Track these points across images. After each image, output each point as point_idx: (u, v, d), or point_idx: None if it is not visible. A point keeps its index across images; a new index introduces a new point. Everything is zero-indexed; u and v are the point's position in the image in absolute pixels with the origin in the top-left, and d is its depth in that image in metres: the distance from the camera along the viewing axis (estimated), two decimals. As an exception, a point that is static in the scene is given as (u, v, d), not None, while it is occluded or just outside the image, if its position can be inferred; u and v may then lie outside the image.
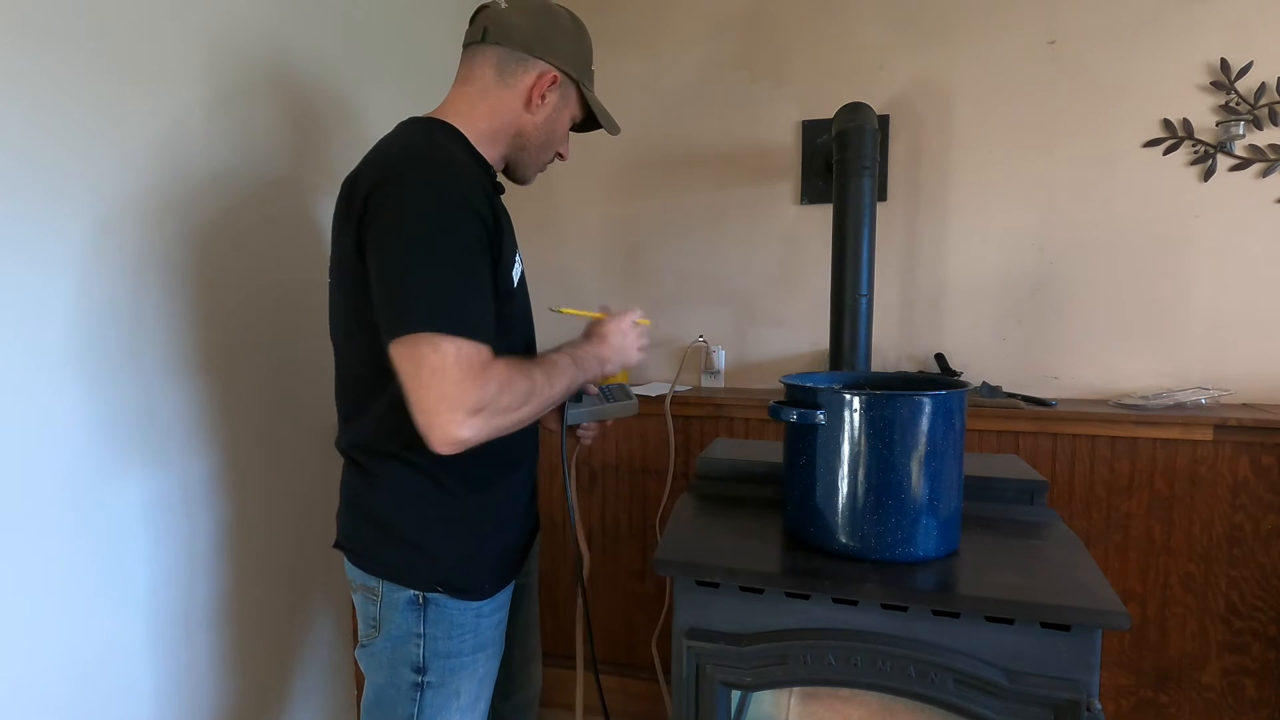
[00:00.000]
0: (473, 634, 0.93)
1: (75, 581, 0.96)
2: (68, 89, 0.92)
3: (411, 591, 0.90)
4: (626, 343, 1.02)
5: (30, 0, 0.88)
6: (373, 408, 0.89)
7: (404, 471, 0.90)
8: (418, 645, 0.91)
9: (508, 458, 0.95)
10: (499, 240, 0.86)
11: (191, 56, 1.10)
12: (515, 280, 0.93)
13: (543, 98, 0.95)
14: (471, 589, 0.93)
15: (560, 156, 1.05)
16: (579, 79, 0.98)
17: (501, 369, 0.80)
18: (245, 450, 1.23)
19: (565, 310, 1.08)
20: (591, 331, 1.03)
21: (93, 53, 0.95)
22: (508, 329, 0.93)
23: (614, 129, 1.06)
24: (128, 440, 1.03)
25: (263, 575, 1.27)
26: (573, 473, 1.17)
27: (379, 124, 0.95)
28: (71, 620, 0.96)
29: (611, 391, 1.11)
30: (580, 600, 1.16)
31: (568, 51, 0.96)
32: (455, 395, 0.75)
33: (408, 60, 1.65)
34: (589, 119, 1.04)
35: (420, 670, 0.91)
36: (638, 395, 1.41)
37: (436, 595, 0.91)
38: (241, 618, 1.23)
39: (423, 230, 0.79)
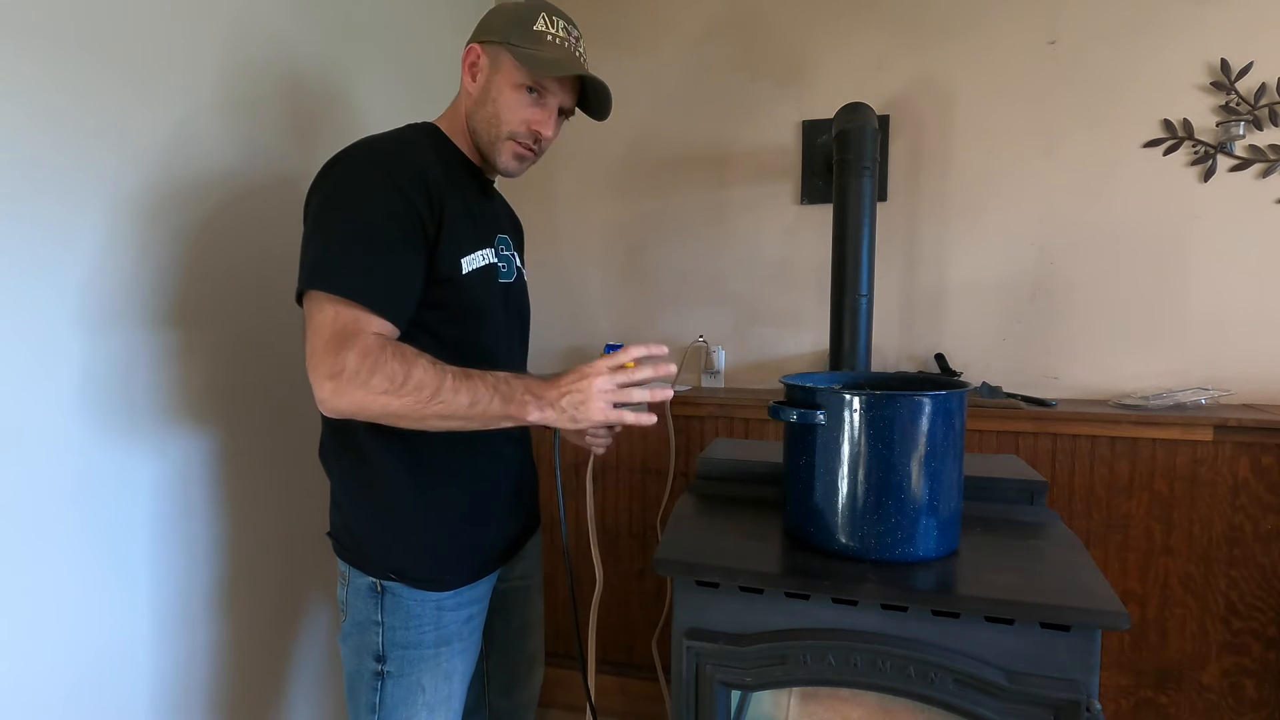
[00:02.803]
0: (433, 627, 0.93)
1: (77, 572, 0.96)
2: (72, 90, 0.92)
3: (370, 578, 0.92)
4: (586, 391, 0.80)
5: (41, 4, 0.88)
6: None
7: (358, 460, 0.92)
8: (377, 633, 0.92)
9: (471, 450, 0.95)
10: (439, 226, 0.88)
11: (201, 61, 1.10)
12: (465, 269, 0.91)
13: (474, 75, 0.96)
14: (429, 580, 0.92)
15: (540, 135, 0.95)
16: (504, 40, 0.92)
17: (372, 343, 0.77)
18: (246, 441, 1.23)
19: None
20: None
21: (101, 56, 0.95)
22: (454, 317, 0.92)
23: (559, 70, 0.91)
24: (129, 433, 1.03)
25: (261, 565, 1.27)
26: (586, 477, 1.15)
27: (381, 126, 0.97)
28: (76, 609, 0.96)
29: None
30: (574, 608, 1.17)
31: (493, 23, 0.96)
32: (319, 355, 0.78)
33: (412, 65, 1.65)
34: (583, 99, 1.00)
35: (380, 659, 0.91)
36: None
37: (393, 584, 0.91)
38: (239, 607, 1.23)
39: (340, 202, 0.84)
